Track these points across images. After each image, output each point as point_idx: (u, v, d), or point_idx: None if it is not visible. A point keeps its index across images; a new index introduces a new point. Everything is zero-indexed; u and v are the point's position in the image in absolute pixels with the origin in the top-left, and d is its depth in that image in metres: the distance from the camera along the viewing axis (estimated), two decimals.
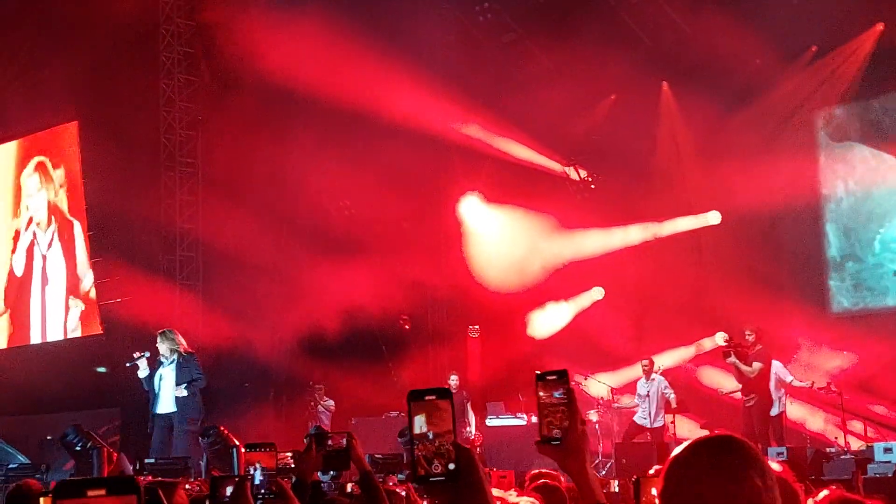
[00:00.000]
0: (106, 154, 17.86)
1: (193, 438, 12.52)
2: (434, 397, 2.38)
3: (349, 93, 17.28)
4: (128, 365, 13.09)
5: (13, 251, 20.23)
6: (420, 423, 2.36)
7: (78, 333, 18.73)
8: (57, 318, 19.20)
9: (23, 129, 20.17)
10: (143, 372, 12.94)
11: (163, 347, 12.92)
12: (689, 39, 17.06)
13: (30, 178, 19.85)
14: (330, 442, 4.55)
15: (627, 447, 14.73)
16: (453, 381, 16.85)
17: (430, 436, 2.34)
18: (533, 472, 7.72)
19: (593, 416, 16.03)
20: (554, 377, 2.82)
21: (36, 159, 19.65)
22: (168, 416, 12.84)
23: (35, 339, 19.62)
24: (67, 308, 19.06)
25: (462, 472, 2.33)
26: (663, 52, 17.70)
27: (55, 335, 19.08)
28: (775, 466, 4.04)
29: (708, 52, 16.50)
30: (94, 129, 18.29)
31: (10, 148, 20.52)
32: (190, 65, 17.54)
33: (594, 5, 18.01)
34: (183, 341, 13.02)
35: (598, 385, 16.54)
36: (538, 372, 2.86)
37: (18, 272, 20.08)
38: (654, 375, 15.58)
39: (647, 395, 15.47)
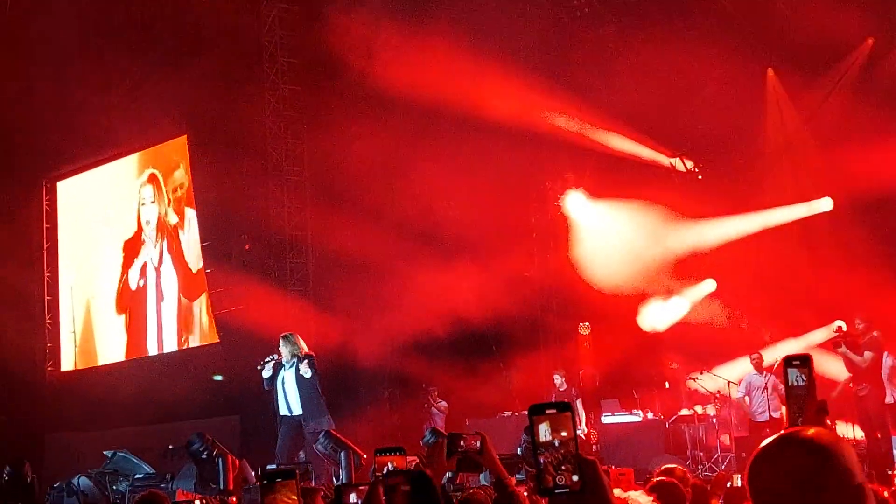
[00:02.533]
0: (215, 166, 18.23)
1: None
2: (555, 410, 2.41)
3: (449, 93, 17.33)
4: (258, 367, 13.37)
5: (126, 262, 20.71)
6: (544, 430, 2.38)
7: (195, 343, 19.12)
8: (173, 328, 19.63)
9: (134, 145, 20.66)
10: (266, 372, 13.17)
11: (285, 351, 13.18)
12: (794, 22, 16.73)
13: (144, 187, 20.31)
14: (463, 443, 4.52)
15: (748, 441, 14.51)
16: (558, 379, 16.76)
17: (556, 443, 2.37)
18: (662, 467, 7.61)
19: (710, 409, 15.85)
20: (798, 362, 2.82)
21: (149, 171, 20.11)
22: (295, 418, 13.06)
23: (152, 350, 20.07)
24: (183, 319, 19.47)
25: (588, 483, 2.34)
26: (767, 36, 17.40)
27: (171, 346, 19.51)
28: None
29: (814, 33, 16.16)
30: (203, 141, 18.66)
31: (124, 163, 21.05)
32: (294, 75, 17.78)
33: None
34: (304, 345, 13.29)
35: (714, 379, 16.31)
36: (786, 356, 2.87)
37: (133, 284, 20.56)
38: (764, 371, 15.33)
39: (764, 389, 15.21)
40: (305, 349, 13.28)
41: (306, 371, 12.91)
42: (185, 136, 19.16)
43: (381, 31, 17.96)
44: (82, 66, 19.56)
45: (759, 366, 15.32)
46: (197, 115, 18.37)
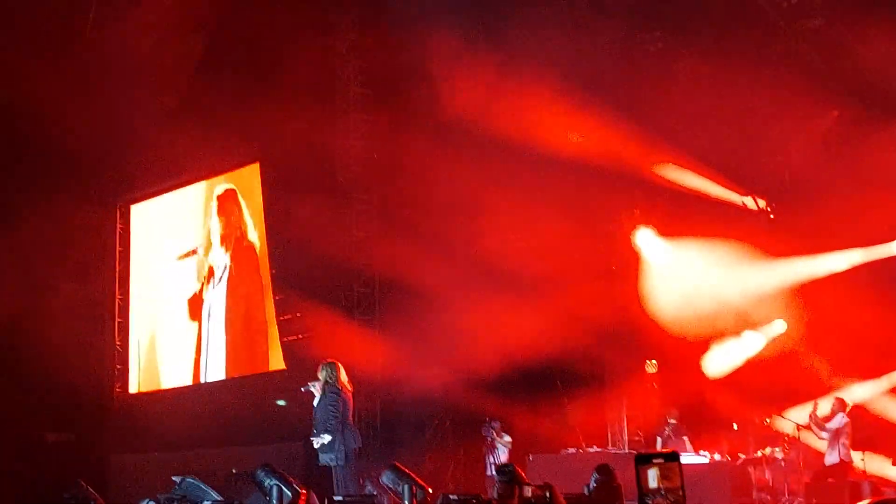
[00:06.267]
0: (286, 194, 18.35)
1: (352, 471, 12.54)
2: (662, 460, 2.39)
3: (521, 126, 17.37)
4: (302, 390, 13.05)
5: (198, 274, 20.80)
6: (653, 477, 2.37)
7: (263, 369, 19.19)
8: (240, 352, 19.71)
9: (206, 171, 20.87)
10: (317, 392, 12.85)
11: (321, 376, 12.66)
12: (867, 64, 16.58)
13: (221, 198, 20.34)
14: (529, 494, 4.49)
15: (819, 487, 14.27)
16: (672, 422, 16.51)
17: (663, 491, 2.35)
18: None
19: (779, 452, 15.60)
20: None
21: (227, 185, 20.19)
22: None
23: (218, 374, 20.14)
24: (250, 344, 19.56)
25: None
26: (838, 78, 17.26)
27: (239, 371, 19.59)
28: None
29: (887, 76, 16.01)
30: (275, 169, 18.82)
31: (198, 186, 21.23)
32: (366, 104, 17.89)
33: (763, 30, 17.69)
34: (342, 376, 12.67)
35: (782, 422, 16.09)
36: None
37: (203, 294, 20.61)
38: (839, 415, 15.12)
39: (834, 431, 15.02)
40: (341, 381, 12.74)
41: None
42: (257, 164, 19.34)
43: (454, 63, 18.05)
44: (157, 91, 19.87)
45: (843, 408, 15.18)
46: (269, 143, 18.54)
